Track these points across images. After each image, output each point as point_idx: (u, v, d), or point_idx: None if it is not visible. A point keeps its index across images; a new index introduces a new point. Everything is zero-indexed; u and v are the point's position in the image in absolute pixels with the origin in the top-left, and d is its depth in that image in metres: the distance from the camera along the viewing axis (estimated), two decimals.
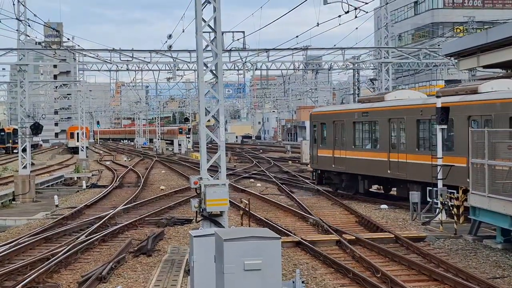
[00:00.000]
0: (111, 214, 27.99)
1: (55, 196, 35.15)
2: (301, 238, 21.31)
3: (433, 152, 25.79)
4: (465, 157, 23.72)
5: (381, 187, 34.38)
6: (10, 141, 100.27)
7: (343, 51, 45.88)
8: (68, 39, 49.42)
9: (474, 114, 25.10)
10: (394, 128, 30.62)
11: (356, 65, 51.54)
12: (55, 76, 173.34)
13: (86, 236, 22.97)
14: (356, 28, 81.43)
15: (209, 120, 17.99)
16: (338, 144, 35.04)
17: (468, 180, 22.22)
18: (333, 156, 35.39)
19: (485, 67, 21.34)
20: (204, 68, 17.84)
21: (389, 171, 30.56)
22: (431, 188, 24.92)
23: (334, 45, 45.94)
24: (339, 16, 31.32)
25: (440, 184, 24.68)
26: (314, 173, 38.49)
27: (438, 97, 25.47)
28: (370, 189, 34.15)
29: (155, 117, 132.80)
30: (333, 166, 35.55)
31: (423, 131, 28.45)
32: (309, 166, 44.33)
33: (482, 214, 20.65)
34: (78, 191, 42.37)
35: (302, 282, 11.39)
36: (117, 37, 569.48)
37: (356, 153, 33.53)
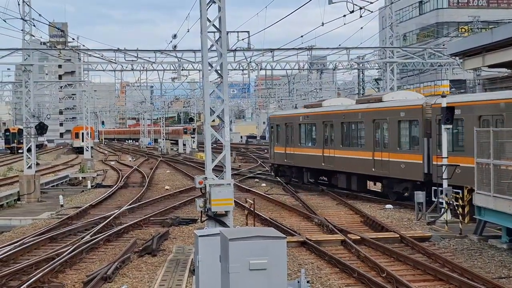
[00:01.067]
0: (116, 214, 28.01)
1: (60, 196, 35.18)
2: (306, 238, 21.30)
3: (353, 147, 34.31)
4: (371, 151, 32.44)
5: (326, 178, 39.58)
6: (15, 141, 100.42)
7: (348, 51, 45.84)
8: (73, 39, 49.71)
9: (377, 118, 32.17)
10: (327, 129, 37.33)
11: (361, 65, 51.49)
12: (60, 76, 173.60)
13: (91, 236, 22.99)
14: (361, 28, 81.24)
15: (214, 120, 17.99)
16: (289, 142, 41.48)
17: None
18: (285, 153, 41.96)
19: (490, 66, 21.34)
20: (209, 68, 17.84)
21: (323, 164, 37.32)
22: (436, 188, 24.91)
23: (339, 45, 45.93)
24: (344, 15, 31.32)
25: (445, 183, 24.65)
26: (272, 167, 45.78)
27: (443, 96, 25.49)
28: (319, 180, 39.99)
29: (160, 117, 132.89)
30: (285, 160, 42.23)
31: (347, 131, 35.29)
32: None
33: (488, 214, 20.62)
34: (83, 191, 42.42)
35: (307, 281, 11.38)
36: (122, 37, 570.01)
37: (301, 150, 39.99)
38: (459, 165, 25.10)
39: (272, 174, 45.33)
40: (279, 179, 43.02)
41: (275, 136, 44.49)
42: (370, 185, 35.96)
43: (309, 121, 39.89)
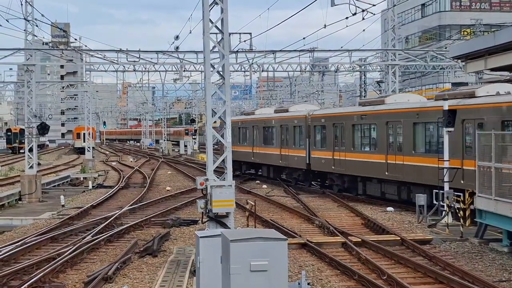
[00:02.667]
0: (117, 214, 28.02)
1: (61, 196, 35.20)
2: (307, 240, 21.29)
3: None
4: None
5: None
6: (17, 141, 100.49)
7: (350, 53, 45.81)
8: (75, 39, 49.53)
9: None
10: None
11: (362, 67, 51.48)
12: (62, 77, 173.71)
13: (92, 236, 23.00)
14: (363, 30, 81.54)
15: (215, 122, 17.99)
16: (244, 141, 50.20)
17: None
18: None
19: (492, 69, 21.33)
20: (211, 69, 17.86)
21: (280, 161, 43.11)
22: (437, 190, 24.91)
23: (341, 47, 45.96)
24: (347, 18, 31.29)
25: (446, 187, 24.64)
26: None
27: (445, 99, 25.49)
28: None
29: (161, 118, 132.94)
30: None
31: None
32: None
33: (489, 217, 20.61)
34: (84, 191, 42.43)
35: (308, 283, 11.40)
36: (124, 38, 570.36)
37: (252, 148, 47.94)
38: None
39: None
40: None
41: (235, 137, 48.58)
42: None
43: (261, 125, 45.85)
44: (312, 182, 41.59)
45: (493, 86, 26.91)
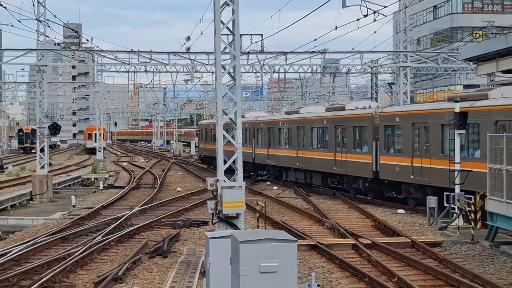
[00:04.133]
0: (127, 215, 28.07)
1: (72, 197, 35.30)
2: (317, 242, 21.27)
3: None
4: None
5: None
6: (29, 141, 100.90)
7: (361, 54, 45.73)
8: (87, 40, 49.75)
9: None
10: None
11: (374, 69, 51.39)
12: (73, 77, 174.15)
13: (102, 237, 23.05)
14: (375, 32, 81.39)
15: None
16: (210, 141, 59.72)
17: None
18: (205, 147, 62.16)
19: (504, 72, 21.24)
20: (222, 70, 17.85)
21: (334, 168, 38.94)
22: (448, 193, 24.83)
23: (352, 49, 45.83)
24: (358, 19, 31.27)
25: (457, 189, 24.56)
26: (200, 157, 68.87)
27: (456, 101, 25.40)
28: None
29: (172, 119, 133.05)
30: (204, 152, 62.66)
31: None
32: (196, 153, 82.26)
33: (500, 219, 20.52)
34: (95, 191, 42.55)
35: (318, 285, 11.39)
36: (136, 38, 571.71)
37: (213, 145, 53.96)
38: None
39: (198, 161, 57.26)
40: (203, 166, 53.20)
41: (201, 137, 57.87)
42: None
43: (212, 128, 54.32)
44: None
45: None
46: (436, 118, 28.44)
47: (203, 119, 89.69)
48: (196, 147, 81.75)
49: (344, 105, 38.64)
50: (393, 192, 32.39)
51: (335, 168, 36.90)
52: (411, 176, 29.98)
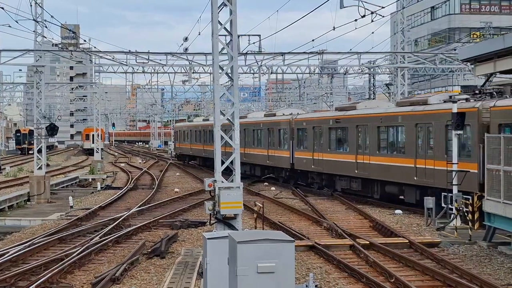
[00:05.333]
0: (125, 215, 28.05)
1: (70, 197, 35.26)
2: (315, 242, 21.27)
3: (211, 144, 43.92)
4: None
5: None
6: (26, 142, 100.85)
7: (359, 55, 45.74)
8: (85, 40, 49.86)
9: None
10: (200, 133, 61.40)
11: (371, 69, 51.42)
12: (71, 78, 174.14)
13: (100, 237, 23.04)
14: (372, 33, 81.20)
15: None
16: (183, 140, 70.22)
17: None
18: (180, 146, 72.93)
19: (502, 72, 21.26)
20: (220, 71, 17.87)
21: (203, 154, 60.87)
22: (446, 193, 24.85)
23: (350, 49, 45.83)
24: (355, 20, 31.28)
25: (455, 189, 24.57)
26: (176, 155, 78.58)
27: (454, 102, 25.43)
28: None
29: (170, 120, 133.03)
30: (179, 151, 72.92)
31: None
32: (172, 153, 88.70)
33: (497, 220, 20.54)
34: (92, 192, 42.51)
35: (316, 286, 11.39)
36: (135, 39, 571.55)
37: (190, 145, 67.63)
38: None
39: (175, 158, 68.78)
40: (179, 163, 64.93)
41: (179, 137, 74.23)
42: None
43: (192, 129, 68.43)
44: None
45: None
46: (324, 123, 38.30)
47: (191, 120, 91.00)
48: (173, 145, 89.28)
49: (276, 112, 49.03)
50: (304, 179, 41.76)
51: (268, 161, 46.02)
52: (312, 166, 39.22)
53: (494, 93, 26.10)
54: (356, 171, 31.68)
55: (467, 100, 27.06)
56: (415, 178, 29.14)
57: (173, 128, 77.38)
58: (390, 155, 31.74)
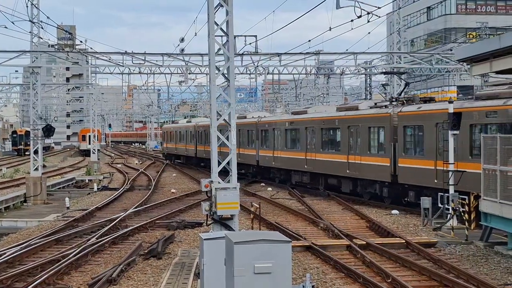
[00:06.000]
0: (122, 216, 28.03)
1: (66, 198, 35.24)
2: (312, 243, 21.27)
3: (192, 144, 60.75)
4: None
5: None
6: (22, 143, 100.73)
7: (355, 55, 45.75)
8: (81, 41, 49.73)
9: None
10: (183, 134, 67.59)
11: (368, 70, 51.44)
12: (67, 79, 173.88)
13: (96, 238, 23.02)
14: (369, 33, 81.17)
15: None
16: (169, 141, 75.91)
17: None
18: (167, 146, 78.27)
19: (498, 72, 21.26)
20: (216, 71, 17.86)
21: (185, 153, 67.06)
22: (442, 194, 24.88)
23: (346, 50, 45.85)
24: (352, 20, 31.33)
25: (451, 190, 24.60)
26: (163, 154, 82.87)
27: (450, 102, 25.48)
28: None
29: (166, 121, 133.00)
30: (166, 150, 77.61)
31: (197, 136, 55.39)
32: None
33: (494, 220, 20.56)
34: (89, 193, 42.48)
35: (312, 286, 11.39)
36: (133, 41, 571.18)
37: (175, 145, 73.38)
38: None
39: (163, 158, 77.86)
40: (168, 162, 72.87)
41: (165, 138, 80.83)
42: None
43: (176, 130, 74.09)
44: None
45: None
46: (282, 125, 43.36)
47: (176, 122, 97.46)
48: (162, 144, 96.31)
49: (246, 115, 54.27)
50: (267, 174, 46.27)
51: (239, 159, 47.12)
52: (273, 163, 44.00)
53: (404, 101, 31.84)
54: (305, 167, 36.28)
55: (386, 106, 32.55)
56: (348, 171, 34.31)
57: (162, 131, 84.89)
58: (331, 152, 36.81)
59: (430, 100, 32.68)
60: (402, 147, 30.13)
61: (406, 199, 30.36)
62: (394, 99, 33.53)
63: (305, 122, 40.05)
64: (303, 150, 39.82)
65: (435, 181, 27.17)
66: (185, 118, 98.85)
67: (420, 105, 30.13)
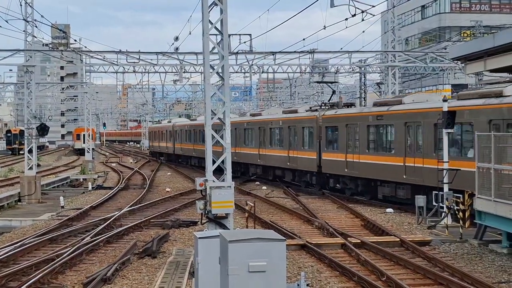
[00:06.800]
0: (116, 215, 28.00)
1: (61, 197, 35.18)
2: (306, 241, 21.27)
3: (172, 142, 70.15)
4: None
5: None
6: (17, 142, 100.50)
7: (349, 54, 45.80)
8: (75, 40, 49.67)
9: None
10: (164, 134, 73.91)
11: (362, 68, 51.47)
12: (62, 78, 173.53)
13: (91, 237, 22.98)
14: (363, 32, 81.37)
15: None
16: (160, 140, 78.98)
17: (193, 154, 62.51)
18: (153, 145, 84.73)
19: (492, 71, 21.29)
20: (211, 70, 17.84)
21: (166, 150, 73.22)
22: (437, 192, 24.92)
23: (341, 48, 45.89)
24: (346, 19, 31.32)
25: (446, 188, 24.63)
26: (150, 152, 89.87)
27: (445, 101, 25.52)
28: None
29: (161, 120, 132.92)
30: (152, 149, 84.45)
31: (175, 135, 66.03)
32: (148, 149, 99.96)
33: (488, 218, 20.59)
34: (83, 192, 42.43)
35: (307, 285, 11.38)
36: (127, 39, 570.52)
37: (158, 143, 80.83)
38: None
39: (150, 155, 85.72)
40: (154, 159, 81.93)
41: (152, 137, 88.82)
42: None
43: (159, 130, 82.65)
44: None
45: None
46: (241, 125, 49.00)
47: (159, 122, 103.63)
48: (149, 143, 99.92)
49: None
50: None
51: (193, 153, 62.22)
52: (235, 158, 44.78)
53: (329, 106, 39.59)
54: (258, 160, 41.44)
55: (316, 110, 39.81)
56: (288, 163, 41.46)
57: (148, 131, 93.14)
58: (276, 148, 43.73)
59: (351, 105, 40.33)
60: (325, 143, 37.38)
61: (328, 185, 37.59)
62: (323, 104, 40.65)
63: (259, 123, 46.55)
64: (256, 146, 46.83)
65: (346, 170, 34.73)
66: (179, 117, 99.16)
67: (336, 109, 37.87)
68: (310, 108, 42.55)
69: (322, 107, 40.21)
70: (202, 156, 57.87)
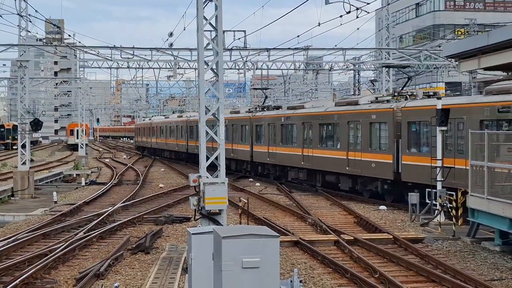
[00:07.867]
0: (109, 211, 27.99)
1: (54, 193, 35.14)
2: (300, 238, 21.30)
3: (155, 137, 77.45)
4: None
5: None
6: (10, 137, 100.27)
7: (344, 51, 45.82)
8: (69, 35, 49.58)
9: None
10: (148, 130, 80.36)
11: (356, 66, 51.52)
12: (55, 73, 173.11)
13: (84, 233, 22.97)
14: (358, 29, 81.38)
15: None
16: (142, 136, 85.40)
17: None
18: (138, 140, 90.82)
19: (486, 69, 21.34)
20: (205, 66, 17.84)
21: (149, 145, 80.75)
22: (430, 189, 24.97)
23: (335, 46, 45.92)
24: (341, 16, 31.37)
25: (439, 185, 24.69)
26: (136, 147, 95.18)
27: (439, 99, 25.56)
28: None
29: (155, 115, 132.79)
30: (138, 144, 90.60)
31: (153, 131, 76.63)
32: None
33: (481, 216, 20.65)
34: (77, 188, 42.37)
35: (300, 281, 11.38)
36: (121, 34, 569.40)
37: (141, 138, 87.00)
38: None
39: (135, 150, 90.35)
40: (140, 153, 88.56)
41: (138, 133, 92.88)
42: None
43: (148, 127, 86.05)
44: None
45: None
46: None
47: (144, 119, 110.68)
48: (135, 138, 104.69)
49: (183, 114, 67.38)
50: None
51: (165, 146, 71.42)
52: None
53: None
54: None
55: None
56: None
57: (135, 128, 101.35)
58: (241, 143, 47.45)
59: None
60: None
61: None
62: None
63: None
64: (229, 142, 48.80)
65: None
66: (173, 113, 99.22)
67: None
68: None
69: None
70: (172, 149, 69.46)
